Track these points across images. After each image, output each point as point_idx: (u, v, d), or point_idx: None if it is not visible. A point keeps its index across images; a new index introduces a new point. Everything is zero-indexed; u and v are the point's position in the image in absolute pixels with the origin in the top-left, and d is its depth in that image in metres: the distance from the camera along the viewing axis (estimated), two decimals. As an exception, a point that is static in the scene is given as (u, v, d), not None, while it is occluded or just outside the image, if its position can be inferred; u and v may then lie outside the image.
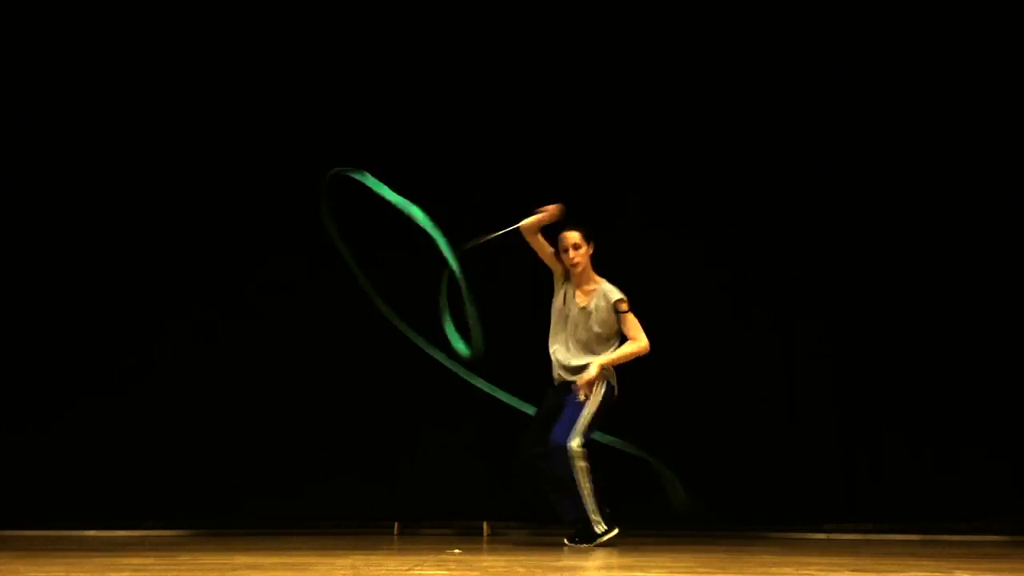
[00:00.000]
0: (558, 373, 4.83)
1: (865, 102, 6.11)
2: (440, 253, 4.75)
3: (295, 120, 6.44)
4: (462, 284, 4.76)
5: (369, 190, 4.95)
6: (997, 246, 5.87)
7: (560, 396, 4.78)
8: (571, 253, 4.78)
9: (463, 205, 6.19)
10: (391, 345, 6.18)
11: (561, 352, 4.83)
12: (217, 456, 6.11)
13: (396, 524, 6.13)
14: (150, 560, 3.56)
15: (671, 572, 3.10)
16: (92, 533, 5.79)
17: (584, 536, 4.54)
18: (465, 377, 5.18)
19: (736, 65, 6.25)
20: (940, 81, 6.01)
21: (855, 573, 3.05)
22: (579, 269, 4.81)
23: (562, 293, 4.89)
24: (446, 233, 4.82)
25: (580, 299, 4.82)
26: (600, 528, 4.51)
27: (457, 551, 4.15)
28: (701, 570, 3.16)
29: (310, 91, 6.45)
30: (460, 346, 5.03)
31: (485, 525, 6.00)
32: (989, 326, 5.83)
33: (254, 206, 6.40)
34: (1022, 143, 5.90)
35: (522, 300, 6.08)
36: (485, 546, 4.80)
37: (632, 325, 4.74)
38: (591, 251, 4.84)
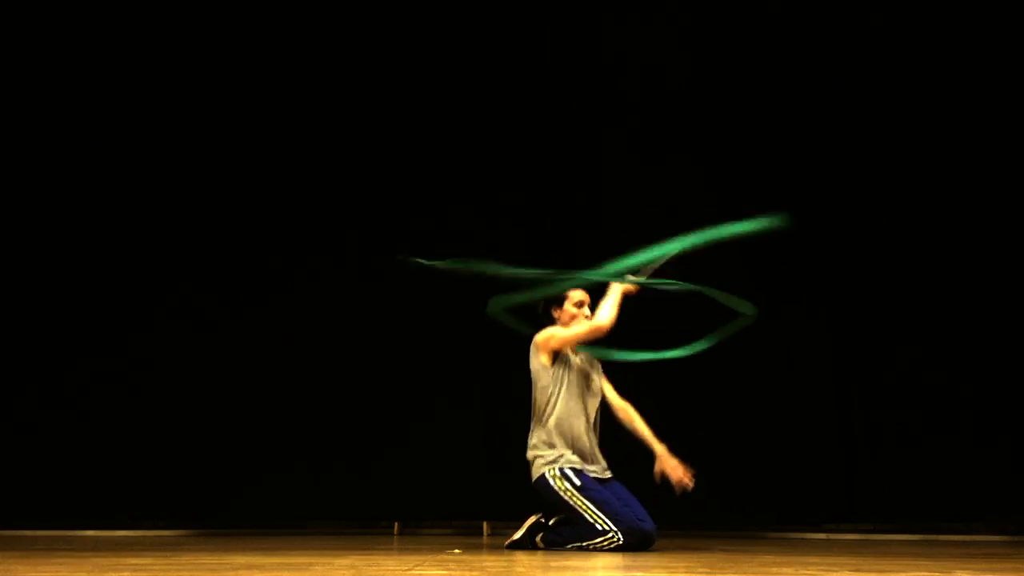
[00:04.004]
0: (593, 462, 4.43)
1: (869, 99, 6.11)
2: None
3: (293, 116, 6.45)
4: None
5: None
6: (997, 246, 5.86)
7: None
8: (585, 311, 4.50)
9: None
10: (392, 344, 6.20)
11: (588, 435, 4.43)
12: (217, 456, 6.12)
13: (396, 524, 6.14)
14: (150, 560, 3.56)
15: (671, 572, 3.10)
16: (92, 533, 5.79)
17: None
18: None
19: (739, 55, 6.26)
20: (944, 74, 6.01)
21: (855, 573, 3.05)
22: None
23: (577, 360, 4.48)
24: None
25: (585, 365, 4.51)
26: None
27: (457, 551, 4.15)
28: (701, 570, 3.16)
29: (309, 83, 6.46)
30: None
31: (485, 525, 6.00)
32: (989, 326, 5.82)
33: (252, 204, 6.41)
34: (1021, 141, 5.90)
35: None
36: (485, 546, 4.79)
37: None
38: None
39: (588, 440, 4.43)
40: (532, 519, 4.45)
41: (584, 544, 4.24)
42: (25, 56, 6.49)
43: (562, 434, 4.39)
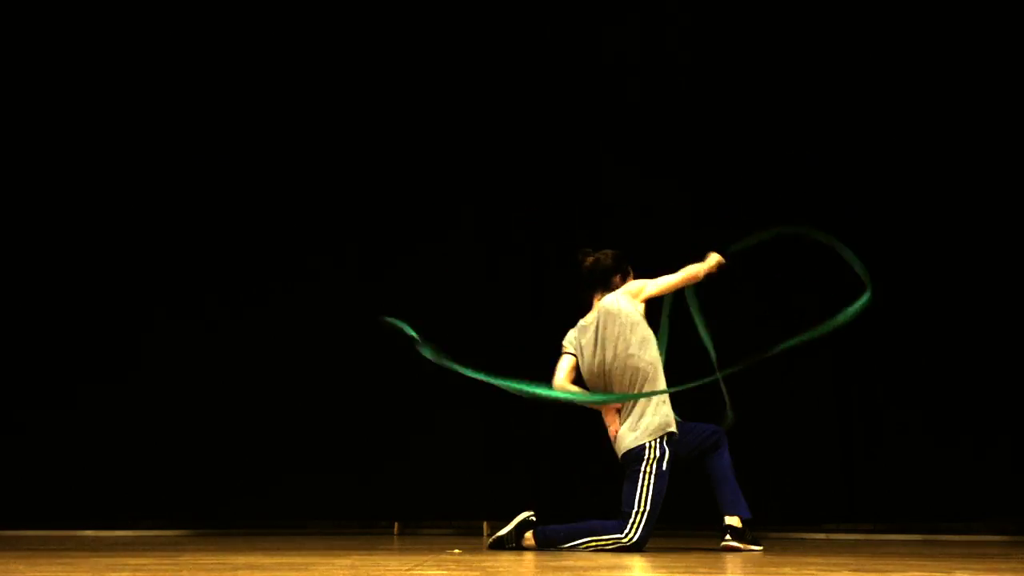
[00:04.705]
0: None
1: (868, 96, 6.11)
2: None
3: (294, 119, 6.45)
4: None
5: None
6: (997, 246, 5.86)
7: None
8: None
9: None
10: (392, 344, 6.20)
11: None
12: (217, 456, 6.12)
13: (396, 524, 6.14)
14: (150, 560, 3.56)
15: (671, 572, 3.10)
16: (91, 533, 5.79)
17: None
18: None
19: (740, 60, 6.26)
20: (942, 81, 6.01)
21: (855, 573, 3.05)
22: None
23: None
24: None
25: None
26: None
27: (457, 551, 4.14)
28: (701, 570, 3.16)
29: (310, 86, 6.46)
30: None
31: (485, 525, 6.00)
32: (990, 326, 5.82)
33: (253, 205, 6.41)
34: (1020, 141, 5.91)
35: (522, 300, 6.11)
36: (485, 546, 4.78)
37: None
38: None
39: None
40: (523, 516, 4.36)
41: (588, 540, 4.18)
42: (23, 59, 6.49)
43: (665, 399, 4.32)
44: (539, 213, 6.32)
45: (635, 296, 4.37)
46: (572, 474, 6.03)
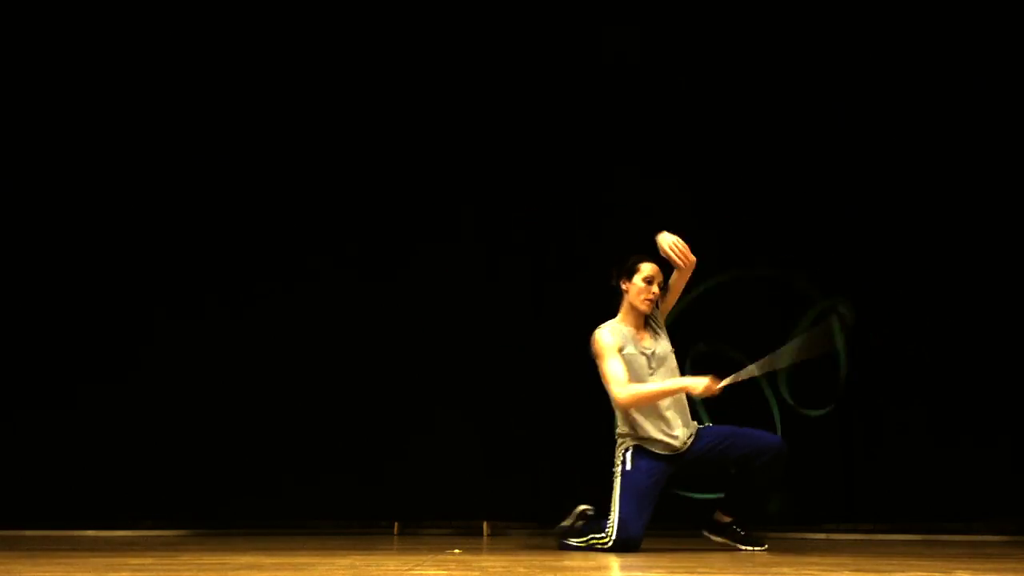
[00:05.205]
0: (671, 440, 4.35)
1: (868, 98, 6.11)
2: None
3: (294, 120, 6.45)
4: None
5: None
6: (997, 245, 5.86)
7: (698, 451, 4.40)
8: (654, 288, 4.44)
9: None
10: (391, 345, 6.20)
11: (666, 410, 4.34)
12: (217, 456, 6.11)
13: (396, 524, 6.14)
14: (150, 560, 3.56)
15: (671, 572, 3.10)
16: (92, 533, 5.79)
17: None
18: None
19: (740, 60, 6.26)
20: (946, 79, 6.01)
21: (855, 573, 3.05)
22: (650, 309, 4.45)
23: (635, 351, 4.37)
24: None
25: (650, 342, 4.42)
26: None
27: (457, 551, 4.15)
28: (701, 570, 3.16)
29: (310, 85, 6.46)
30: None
31: (485, 525, 6.00)
32: (990, 325, 5.82)
33: (253, 205, 6.41)
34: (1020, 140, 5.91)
35: (522, 300, 6.11)
36: (485, 546, 4.79)
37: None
38: None
39: (667, 412, 4.35)
40: (580, 508, 4.52)
41: (585, 540, 4.29)
42: (23, 59, 6.49)
43: (639, 416, 4.34)
44: (539, 213, 6.32)
45: (594, 355, 4.42)
46: (572, 474, 6.03)
